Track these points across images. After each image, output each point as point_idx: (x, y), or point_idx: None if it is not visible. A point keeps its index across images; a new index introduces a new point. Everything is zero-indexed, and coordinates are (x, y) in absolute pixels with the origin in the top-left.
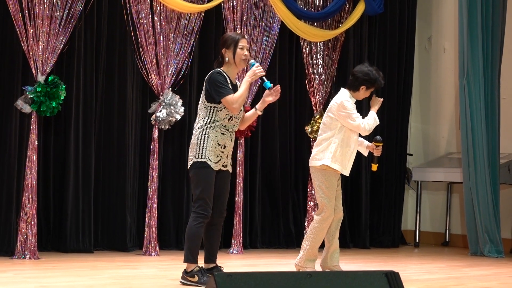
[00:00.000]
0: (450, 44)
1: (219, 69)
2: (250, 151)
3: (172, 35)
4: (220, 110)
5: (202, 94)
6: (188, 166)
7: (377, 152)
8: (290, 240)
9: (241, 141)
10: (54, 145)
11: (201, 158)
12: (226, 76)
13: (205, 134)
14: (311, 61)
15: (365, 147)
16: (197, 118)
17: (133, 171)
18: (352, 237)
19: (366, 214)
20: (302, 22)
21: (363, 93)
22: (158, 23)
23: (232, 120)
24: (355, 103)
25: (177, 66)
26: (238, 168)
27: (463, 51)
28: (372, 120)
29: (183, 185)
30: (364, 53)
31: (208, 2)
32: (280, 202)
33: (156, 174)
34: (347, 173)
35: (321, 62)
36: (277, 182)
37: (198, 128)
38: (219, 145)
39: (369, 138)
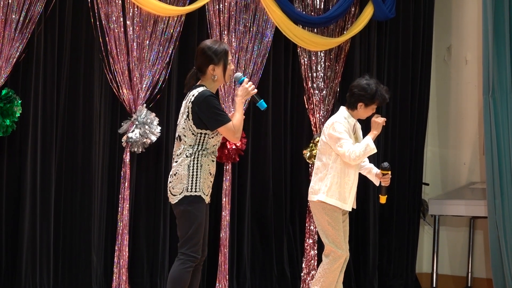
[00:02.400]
0: (472, 55)
1: (208, 89)
2: (238, 179)
3: (147, 42)
4: (212, 138)
5: (186, 117)
6: (175, 201)
7: (384, 182)
8: (285, 283)
9: (227, 167)
10: (8, 170)
11: (195, 191)
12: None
13: (197, 163)
14: (310, 74)
15: (374, 175)
16: (180, 144)
17: (100, 202)
18: (358, 281)
19: (374, 254)
20: (300, 28)
21: (362, 111)
22: (130, 28)
23: (217, 146)
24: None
25: (153, 78)
26: (224, 199)
27: (488, 63)
28: (362, 148)
29: (158, 219)
30: (372, 64)
31: (190, 3)
32: (273, 239)
33: (127, 205)
34: (348, 207)
35: (322, 75)
36: (270, 215)
37: (187, 157)
38: (210, 174)
39: (377, 164)
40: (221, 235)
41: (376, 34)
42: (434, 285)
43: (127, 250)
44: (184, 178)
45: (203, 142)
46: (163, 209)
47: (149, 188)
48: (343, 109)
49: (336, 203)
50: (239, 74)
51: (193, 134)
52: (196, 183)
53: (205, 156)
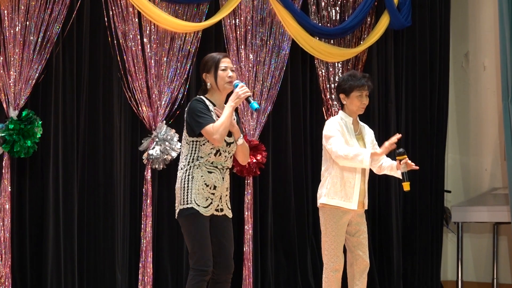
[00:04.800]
0: (490, 61)
1: (199, 96)
2: (259, 192)
3: (165, 59)
4: (203, 144)
5: (184, 128)
6: (176, 215)
7: (404, 168)
8: None
9: (249, 181)
10: (30, 191)
11: (187, 203)
12: (209, 103)
13: (188, 175)
14: (328, 85)
15: (394, 169)
16: (180, 157)
17: (123, 220)
18: None
19: (398, 262)
20: (317, 40)
21: (349, 102)
22: (148, 46)
23: (220, 155)
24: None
25: (172, 95)
26: (247, 213)
27: (506, 68)
28: (352, 152)
29: (182, 235)
30: (390, 73)
31: (206, 19)
32: (297, 251)
33: (150, 222)
34: (353, 206)
35: None
36: (292, 227)
37: (181, 169)
38: (207, 186)
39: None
40: (244, 249)
41: (393, 43)
42: None
43: (151, 267)
44: (178, 191)
45: (196, 150)
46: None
47: (171, 204)
48: (340, 112)
49: (338, 203)
50: (237, 81)
51: (187, 143)
52: (187, 195)
53: (197, 167)
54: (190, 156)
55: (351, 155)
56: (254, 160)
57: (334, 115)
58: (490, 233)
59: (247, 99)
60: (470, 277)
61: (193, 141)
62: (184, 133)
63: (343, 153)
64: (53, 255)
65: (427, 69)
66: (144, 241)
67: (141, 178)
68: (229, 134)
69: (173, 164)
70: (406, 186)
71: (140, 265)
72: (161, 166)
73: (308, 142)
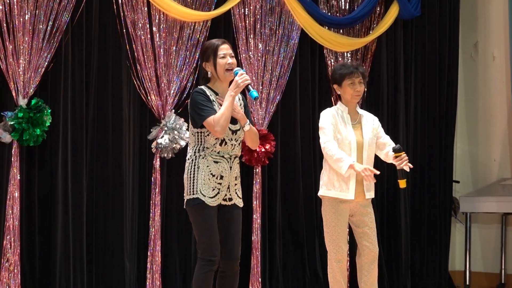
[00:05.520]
0: (500, 51)
1: (200, 87)
2: (268, 181)
3: (174, 48)
4: (208, 135)
5: (189, 119)
6: (184, 205)
7: (400, 164)
8: (318, 285)
9: (257, 170)
10: (39, 180)
11: (193, 194)
12: (210, 93)
13: (194, 165)
14: None
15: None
16: (188, 147)
17: (131, 208)
18: (390, 280)
19: (406, 253)
20: (326, 29)
21: (342, 91)
22: (157, 35)
23: (226, 144)
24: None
25: (181, 84)
26: (255, 202)
27: None
28: (337, 155)
29: (190, 223)
30: (399, 63)
31: (215, 8)
32: (305, 241)
33: (159, 211)
34: (350, 195)
35: None
36: (301, 217)
37: (187, 159)
38: (213, 175)
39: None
40: (252, 238)
41: (402, 33)
42: (467, 283)
43: (159, 255)
44: (185, 181)
45: (201, 141)
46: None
47: (180, 193)
48: (338, 103)
49: (336, 194)
50: (237, 68)
51: (192, 134)
52: (193, 185)
53: (203, 157)
54: (196, 146)
55: (335, 158)
56: (263, 150)
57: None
58: (498, 224)
59: (247, 87)
60: (478, 268)
61: (197, 132)
62: (190, 124)
63: (330, 153)
64: (62, 243)
65: (436, 59)
66: (153, 230)
67: (149, 167)
68: (234, 121)
69: (182, 153)
70: (402, 184)
71: (148, 253)
72: (170, 155)
73: (317, 132)
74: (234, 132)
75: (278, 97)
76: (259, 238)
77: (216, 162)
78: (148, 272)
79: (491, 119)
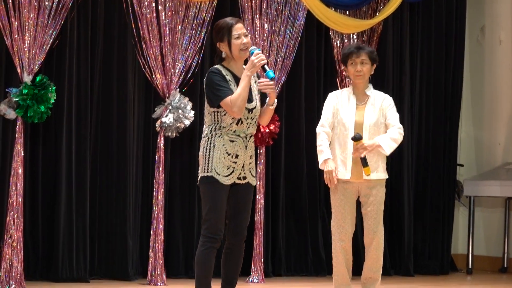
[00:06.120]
0: (506, 35)
1: (215, 66)
2: (272, 162)
3: (179, 27)
4: (224, 115)
5: (205, 98)
6: (198, 182)
7: (356, 153)
8: (320, 266)
9: (261, 150)
10: (43, 157)
11: (208, 172)
12: (226, 73)
13: (210, 144)
14: None
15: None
16: (204, 125)
17: (135, 187)
18: (393, 263)
19: (409, 235)
20: (332, 11)
21: (348, 72)
22: (163, 13)
23: (242, 123)
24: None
25: (186, 63)
26: (259, 183)
27: None
28: (320, 146)
29: (193, 203)
30: (405, 46)
31: None
32: (308, 222)
33: (162, 190)
34: (347, 175)
35: None
36: (304, 198)
37: (204, 137)
38: (229, 154)
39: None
40: (255, 218)
41: (409, 16)
42: (469, 266)
43: (162, 234)
44: (201, 159)
45: (218, 121)
46: (197, 193)
47: (183, 172)
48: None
49: (338, 175)
50: (253, 47)
51: (209, 113)
52: (208, 163)
53: (219, 136)
54: (212, 125)
55: (318, 148)
56: (267, 130)
57: (348, 86)
58: (502, 208)
59: (263, 67)
60: (481, 251)
61: (214, 112)
62: (206, 103)
63: (318, 141)
64: (65, 220)
65: (443, 42)
66: (156, 209)
67: (154, 146)
68: (250, 99)
69: (186, 132)
70: (367, 171)
71: (151, 232)
72: (174, 134)
73: (322, 113)
74: (250, 110)
75: (283, 78)
76: (262, 218)
77: (232, 141)
78: (151, 250)
79: (496, 103)
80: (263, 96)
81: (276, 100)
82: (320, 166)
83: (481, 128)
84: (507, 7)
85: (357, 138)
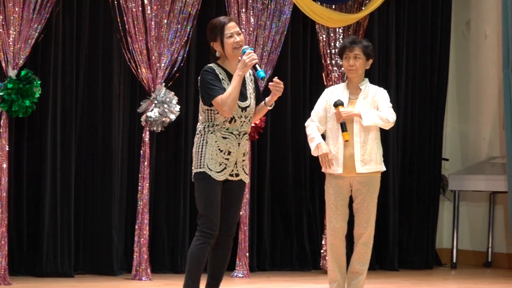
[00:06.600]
0: (492, 29)
1: (209, 65)
2: (257, 156)
3: (165, 21)
4: (218, 113)
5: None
6: (192, 178)
7: (338, 118)
8: (305, 261)
9: None
10: (28, 151)
11: (200, 168)
12: (219, 72)
13: (203, 140)
14: (328, 51)
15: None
16: (198, 122)
17: (120, 181)
18: (378, 257)
19: (394, 230)
20: (318, 5)
21: (344, 66)
22: (148, 7)
23: (235, 122)
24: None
25: (172, 57)
26: None
27: (508, 38)
28: (311, 135)
29: (179, 197)
30: (391, 40)
31: None
32: (293, 216)
33: (147, 184)
34: (338, 170)
35: None
36: (290, 192)
37: (197, 134)
38: (221, 151)
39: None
40: (241, 213)
41: (395, 9)
42: (454, 261)
43: (147, 229)
44: (194, 155)
45: (211, 119)
46: (183, 187)
47: (168, 167)
48: None
49: (330, 170)
50: (245, 46)
51: (203, 111)
52: (201, 159)
53: (212, 133)
54: (206, 123)
55: (309, 137)
56: (253, 125)
57: (334, 80)
58: (486, 202)
59: (254, 66)
60: (466, 246)
61: (208, 110)
62: (200, 101)
63: (307, 132)
64: (50, 215)
65: (428, 36)
66: (141, 203)
67: (139, 140)
68: (244, 98)
69: (171, 126)
70: (346, 136)
71: (136, 226)
72: (159, 129)
73: (308, 107)
74: (244, 109)
75: (269, 72)
76: (247, 213)
77: (225, 138)
78: (135, 245)
79: (481, 97)
80: (258, 95)
81: (274, 103)
82: (313, 153)
83: (466, 123)
84: (493, 1)
85: (337, 104)
